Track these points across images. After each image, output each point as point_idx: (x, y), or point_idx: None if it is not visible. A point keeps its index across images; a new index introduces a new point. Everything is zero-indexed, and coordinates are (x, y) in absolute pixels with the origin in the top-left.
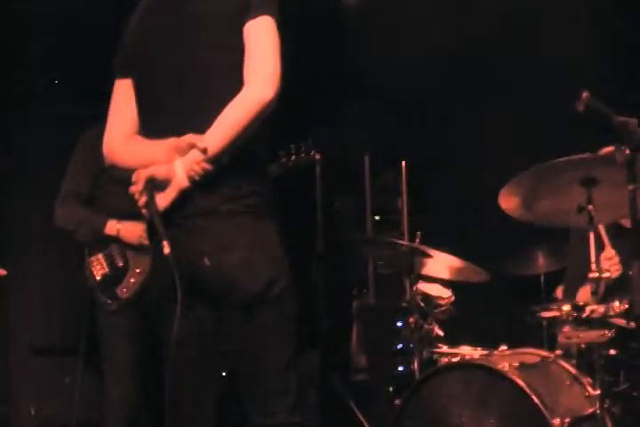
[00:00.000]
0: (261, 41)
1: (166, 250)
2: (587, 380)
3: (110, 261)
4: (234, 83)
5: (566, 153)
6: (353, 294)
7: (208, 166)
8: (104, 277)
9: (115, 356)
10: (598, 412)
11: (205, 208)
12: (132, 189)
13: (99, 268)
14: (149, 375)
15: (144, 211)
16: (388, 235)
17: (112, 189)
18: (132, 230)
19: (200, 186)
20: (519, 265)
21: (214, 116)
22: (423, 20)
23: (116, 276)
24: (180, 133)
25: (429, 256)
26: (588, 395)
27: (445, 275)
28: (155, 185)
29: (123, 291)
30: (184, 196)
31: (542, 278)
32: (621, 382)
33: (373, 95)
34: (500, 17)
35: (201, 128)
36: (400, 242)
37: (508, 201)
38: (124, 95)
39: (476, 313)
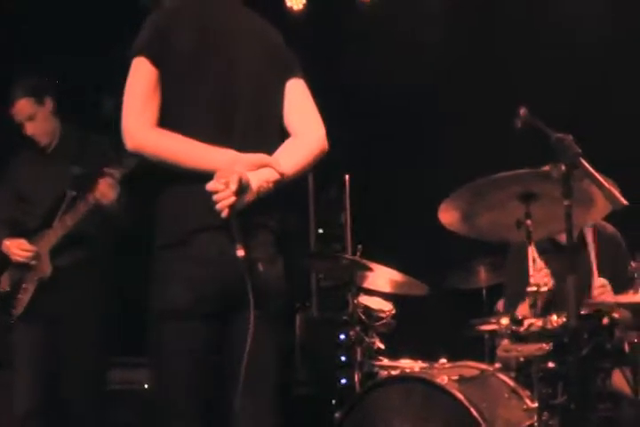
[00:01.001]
0: (310, 99)
1: (240, 253)
2: (525, 393)
3: (8, 279)
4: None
5: (507, 168)
6: (296, 307)
7: (273, 187)
8: (2, 293)
9: (18, 369)
10: (536, 424)
11: (260, 222)
12: (217, 186)
13: (2, 285)
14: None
15: (226, 211)
16: (331, 248)
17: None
18: (17, 247)
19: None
20: (461, 279)
21: (264, 148)
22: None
23: (10, 293)
24: (237, 148)
25: (370, 269)
26: (526, 408)
27: (386, 288)
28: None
29: (15, 307)
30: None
31: (484, 292)
32: (559, 394)
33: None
34: None
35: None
36: (341, 255)
37: (448, 215)
38: (154, 83)
39: (418, 326)
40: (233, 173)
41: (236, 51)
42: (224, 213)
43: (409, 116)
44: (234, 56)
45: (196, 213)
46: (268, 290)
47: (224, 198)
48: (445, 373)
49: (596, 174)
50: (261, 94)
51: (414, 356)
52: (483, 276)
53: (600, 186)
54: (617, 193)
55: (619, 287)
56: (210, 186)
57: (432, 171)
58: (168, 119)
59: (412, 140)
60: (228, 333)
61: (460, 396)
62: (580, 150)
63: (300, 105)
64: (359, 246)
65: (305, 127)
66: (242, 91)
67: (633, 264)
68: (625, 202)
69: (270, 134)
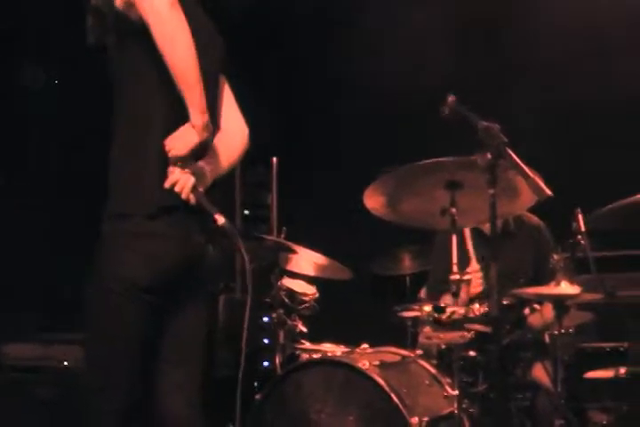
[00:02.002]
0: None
1: (221, 220)
2: (446, 380)
3: None
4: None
5: (435, 155)
6: (219, 289)
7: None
8: None
9: None
10: (456, 412)
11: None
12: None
13: None
14: None
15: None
16: (256, 230)
17: None
18: None
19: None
20: (385, 265)
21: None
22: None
23: None
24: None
25: (294, 252)
26: (446, 395)
27: (310, 271)
28: None
29: None
30: None
31: (408, 279)
32: (480, 383)
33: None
34: None
35: None
36: (265, 237)
37: (373, 201)
38: None
39: (341, 311)
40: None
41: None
42: (191, 200)
43: (338, 100)
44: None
45: (159, 185)
46: (214, 271)
47: (184, 184)
48: (367, 358)
49: (522, 164)
50: (215, 85)
51: (336, 340)
52: (407, 263)
53: (525, 176)
54: (542, 184)
55: (541, 279)
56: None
57: (360, 155)
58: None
59: (341, 123)
60: (177, 311)
61: (381, 381)
62: (506, 140)
63: (229, 101)
64: (284, 229)
65: (234, 124)
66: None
67: (555, 256)
68: (549, 193)
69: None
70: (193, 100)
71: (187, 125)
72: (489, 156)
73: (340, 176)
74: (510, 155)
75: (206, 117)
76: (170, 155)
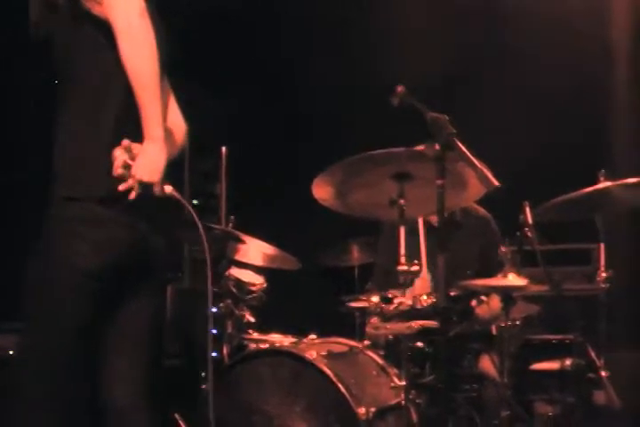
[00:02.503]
0: None
1: (169, 188)
2: (393, 371)
3: None
4: None
5: (386, 146)
6: (168, 278)
7: None
8: None
9: None
10: (403, 402)
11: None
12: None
13: None
14: None
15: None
16: (205, 219)
17: None
18: None
19: None
20: (334, 256)
21: None
22: None
23: None
24: None
25: (243, 242)
26: (393, 386)
27: (258, 261)
28: None
29: None
30: None
31: (356, 270)
32: (427, 373)
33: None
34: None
35: None
36: (213, 226)
37: (322, 191)
38: None
39: (290, 301)
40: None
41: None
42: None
43: (289, 90)
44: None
45: (110, 171)
46: (162, 259)
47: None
48: (314, 348)
49: (470, 155)
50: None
51: (285, 331)
52: (356, 254)
53: (473, 166)
54: (489, 174)
55: (488, 271)
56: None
57: (309, 145)
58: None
59: (291, 113)
60: (123, 299)
61: (328, 371)
62: (454, 131)
63: (171, 99)
64: (231, 218)
65: (175, 121)
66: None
67: (503, 249)
68: (497, 183)
69: None
70: (152, 112)
71: (146, 145)
72: (437, 147)
73: (289, 166)
74: (458, 146)
75: (163, 128)
76: (140, 181)
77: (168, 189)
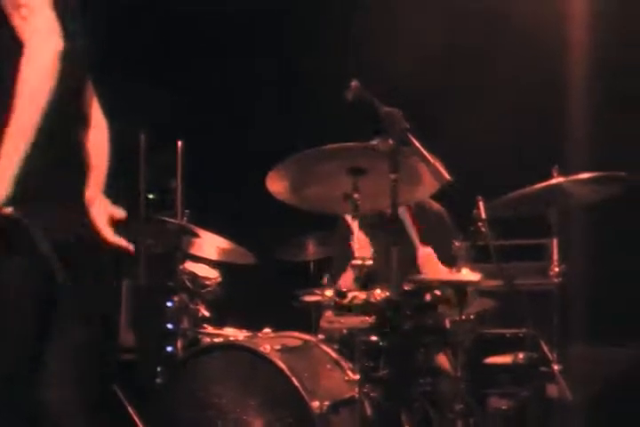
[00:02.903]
0: None
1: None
2: (348, 365)
3: None
4: None
5: (343, 140)
6: (123, 273)
7: None
8: None
9: None
10: (357, 396)
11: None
12: None
13: None
14: None
15: None
16: (161, 214)
17: None
18: None
19: None
20: (290, 251)
21: None
22: None
23: None
24: None
25: (198, 236)
26: (348, 379)
27: (213, 255)
28: None
29: None
30: None
31: (312, 265)
32: (381, 367)
33: (154, 70)
34: None
35: None
36: (167, 220)
37: (276, 185)
38: None
39: (245, 296)
40: None
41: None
42: None
43: (244, 84)
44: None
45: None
46: (97, 256)
47: None
48: (268, 342)
49: (423, 150)
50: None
51: (240, 325)
52: (311, 249)
53: (426, 161)
54: (442, 169)
55: (443, 265)
56: None
57: (267, 139)
58: None
59: (248, 107)
60: (62, 301)
61: (282, 365)
62: (408, 126)
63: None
64: (186, 212)
65: (98, 120)
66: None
67: (456, 243)
68: (449, 177)
69: None
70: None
71: None
72: (391, 141)
73: (246, 160)
74: (412, 140)
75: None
76: None
77: (7, 210)
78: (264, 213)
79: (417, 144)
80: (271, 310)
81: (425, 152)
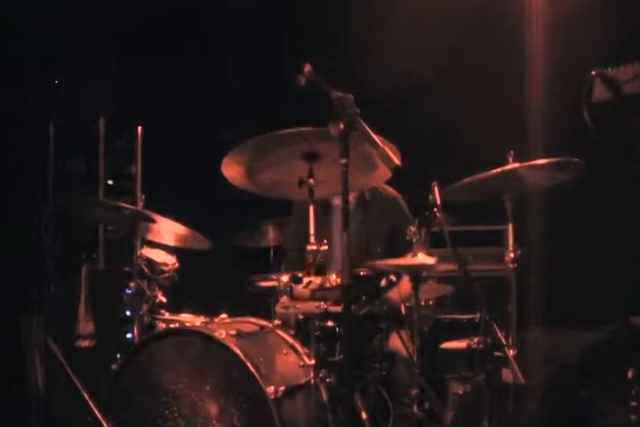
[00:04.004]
0: None
1: None
2: (303, 350)
3: None
4: None
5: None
6: (82, 259)
7: None
8: None
9: None
10: (313, 381)
11: None
12: None
13: None
14: None
15: None
16: (120, 200)
17: None
18: None
19: None
20: (249, 237)
21: None
22: None
23: None
24: None
25: (154, 221)
26: (303, 364)
27: (170, 241)
28: None
29: None
30: None
31: (271, 251)
32: (337, 352)
33: (114, 56)
34: None
35: None
36: (123, 205)
37: (231, 170)
38: None
39: (203, 282)
40: None
41: None
42: None
43: (206, 70)
44: None
45: None
46: None
47: None
48: (224, 327)
49: (372, 134)
50: None
51: (197, 311)
52: (271, 235)
53: (374, 146)
54: (391, 154)
55: (398, 251)
56: None
57: (224, 124)
58: None
59: (207, 91)
60: None
61: (237, 350)
62: (358, 110)
63: None
64: (142, 197)
65: None
66: None
67: (412, 229)
68: (397, 162)
69: None
70: None
71: None
72: (341, 126)
73: (204, 145)
74: (362, 125)
75: None
76: None
77: None
78: (223, 199)
79: (366, 129)
80: (228, 295)
81: (374, 137)
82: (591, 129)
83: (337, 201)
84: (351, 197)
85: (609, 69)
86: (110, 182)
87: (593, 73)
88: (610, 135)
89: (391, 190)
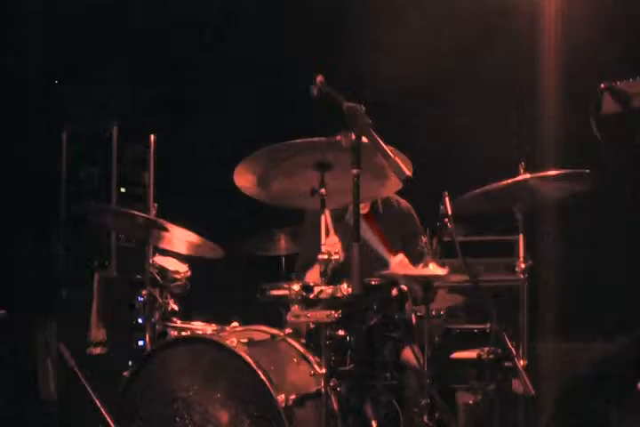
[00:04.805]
0: None
1: None
2: (315, 359)
3: None
4: None
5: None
6: (95, 266)
7: None
8: None
9: None
10: (323, 390)
11: None
12: None
13: None
14: None
15: None
16: (133, 208)
17: None
18: None
19: None
20: (261, 246)
21: None
22: None
23: None
24: None
25: (166, 230)
26: (314, 373)
27: (182, 249)
28: None
29: None
30: None
31: (283, 260)
32: (348, 362)
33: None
34: None
35: None
36: (136, 213)
37: (243, 179)
38: None
39: (215, 290)
40: None
41: None
42: None
43: (218, 79)
44: None
45: None
46: None
47: None
48: (235, 335)
49: (383, 145)
50: None
51: (209, 319)
52: (283, 244)
53: (386, 156)
54: (402, 164)
55: (410, 261)
56: None
57: (238, 133)
58: None
59: (219, 101)
60: None
61: (248, 359)
62: (370, 121)
63: None
64: (155, 205)
65: None
66: None
67: (424, 239)
68: (409, 173)
69: None
70: None
71: None
72: (353, 136)
73: (218, 154)
74: (373, 135)
75: None
76: None
77: None
78: (236, 207)
79: (378, 139)
80: (240, 303)
81: (385, 147)
82: (599, 141)
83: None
84: (364, 208)
85: (618, 82)
86: (123, 190)
87: (602, 86)
88: (620, 148)
89: (404, 202)
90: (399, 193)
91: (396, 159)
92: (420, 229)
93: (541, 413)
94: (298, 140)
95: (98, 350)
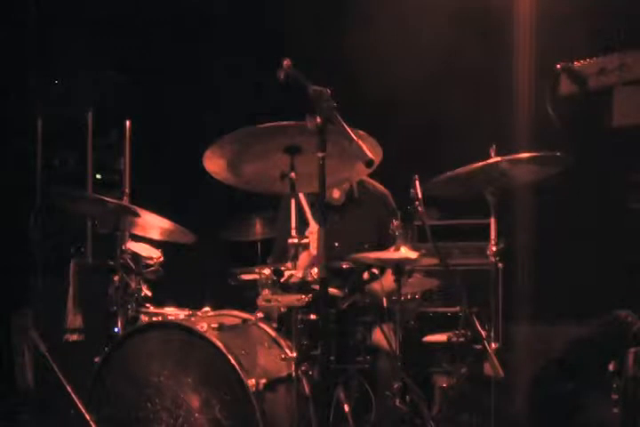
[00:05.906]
0: None
1: None
2: (286, 343)
3: None
4: None
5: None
6: (70, 253)
7: None
8: None
9: None
10: (294, 374)
11: None
12: None
13: None
14: None
15: None
16: (108, 194)
17: None
18: None
19: None
20: (236, 231)
21: None
22: None
23: None
24: None
25: (138, 215)
26: (284, 357)
27: (155, 235)
28: None
29: None
30: None
31: (259, 245)
32: (318, 345)
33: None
34: None
35: None
36: (107, 199)
37: (213, 163)
38: None
39: (188, 275)
40: None
41: None
42: None
43: (193, 64)
44: None
45: None
46: None
47: None
48: (206, 320)
49: (347, 128)
50: None
51: (182, 305)
52: (258, 229)
53: (349, 139)
54: (364, 147)
55: (385, 246)
56: None
57: (211, 119)
58: None
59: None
60: None
61: (219, 343)
62: (335, 104)
63: None
64: (126, 191)
65: None
66: None
67: (395, 222)
68: (370, 156)
69: None
70: None
71: None
72: (319, 119)
73: (192, 139)
74: (337, 118)
75: None
76: None
77: None
78: (211, 193)
79: (342, 123)
80: (214, 289)
81: (349, 130)
82: (555, 121)
83: (334, 194)
84: (339, 192)
85: (575, 63)
86: (98, 176)
87: (559, 67)
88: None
89: (380, 187)
90: (374, 177)
91: (359, 142)
92: (397, 214)
93: (512, 395)
94: (266, 124)
95: (75, 337)
